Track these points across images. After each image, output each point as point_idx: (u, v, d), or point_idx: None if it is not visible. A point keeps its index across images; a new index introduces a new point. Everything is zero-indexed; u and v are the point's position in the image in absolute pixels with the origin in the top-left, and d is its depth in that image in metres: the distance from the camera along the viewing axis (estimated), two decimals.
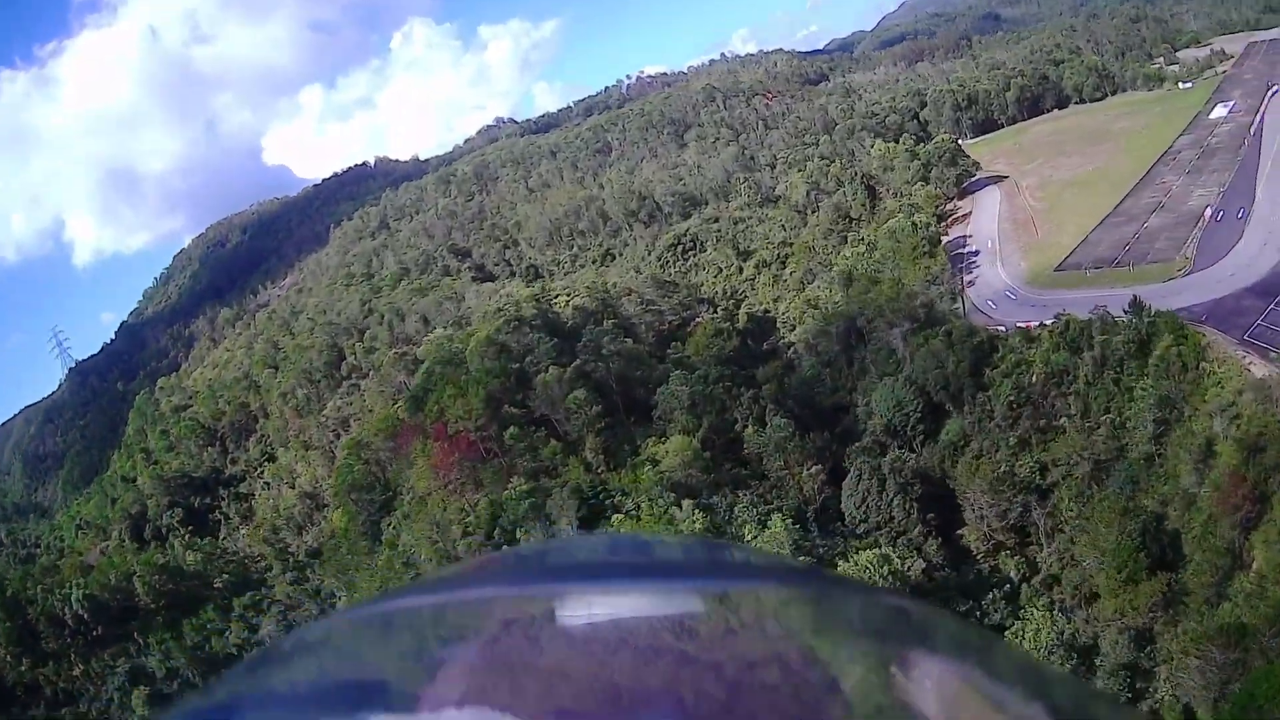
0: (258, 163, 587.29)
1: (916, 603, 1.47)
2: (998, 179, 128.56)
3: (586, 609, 1.32)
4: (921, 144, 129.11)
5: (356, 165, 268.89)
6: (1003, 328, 78.61)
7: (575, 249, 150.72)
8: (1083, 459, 64.37)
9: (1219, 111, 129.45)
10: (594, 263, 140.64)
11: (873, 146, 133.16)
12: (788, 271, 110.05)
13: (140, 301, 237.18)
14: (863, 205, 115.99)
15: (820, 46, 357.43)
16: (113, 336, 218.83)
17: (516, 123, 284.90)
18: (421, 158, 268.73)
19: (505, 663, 1.29)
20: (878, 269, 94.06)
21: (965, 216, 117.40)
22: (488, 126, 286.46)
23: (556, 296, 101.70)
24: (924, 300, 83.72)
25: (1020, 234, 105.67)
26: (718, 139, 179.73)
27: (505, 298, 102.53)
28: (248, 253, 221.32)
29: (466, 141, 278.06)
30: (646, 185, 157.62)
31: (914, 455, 68.49)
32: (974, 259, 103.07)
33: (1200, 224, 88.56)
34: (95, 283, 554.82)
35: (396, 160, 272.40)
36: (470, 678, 1.26)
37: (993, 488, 62.45)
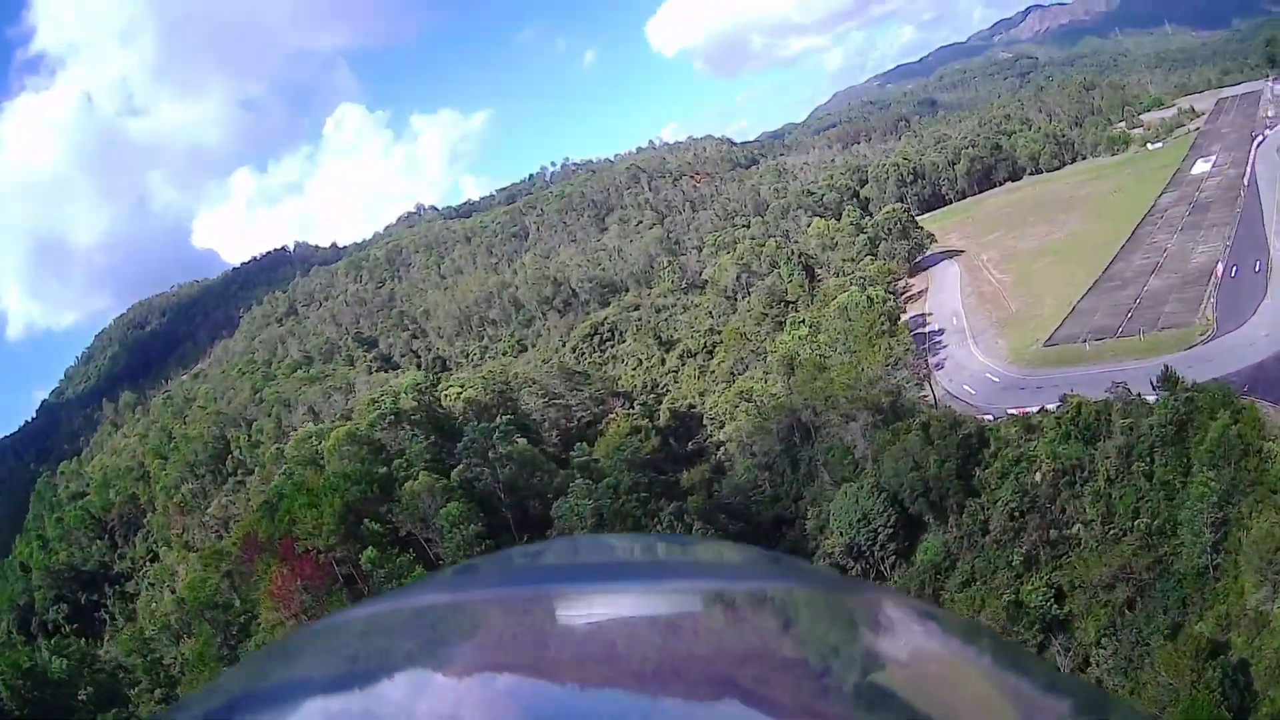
0: (186, 245, 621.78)
1: (920, 601, 1.56)
2: (953, 253, 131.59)
3: (587, 609, 1.39)
4: (867, 218, 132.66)
5: (275, 250, 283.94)
6: (990, 416, 72.68)
7: (486, 339, 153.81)
8: (1115, 578, 52.86)
9: (1201, 167, 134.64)
10: (504, 354, 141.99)
11: (810, 225, 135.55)
12: (716, 361, 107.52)
13: (62, 381, 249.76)
14: (800, 287, 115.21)
15: (752, 139, 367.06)
16: (34, 415, 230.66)
17: (437, 209, 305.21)
18: (341, 244, 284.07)
19: (506, 662, 1.35)
20: (825, 353, 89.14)
21: (921, 294, 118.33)
22: (408, 213, 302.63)
23: (447, 388, 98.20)
24: (887, 387, 73.47)
25: (989, 309, 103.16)
26: (641, 222, 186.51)
27: (384, 388, 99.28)
28: (165, 336, 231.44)
29: (387, 228, 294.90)
30: (563, 271, 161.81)
31: (884, 581, 60.06)
32: (938, 339, 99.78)
33: (1213, 282, 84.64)
34: (27, 357, 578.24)
35: (316, 246, 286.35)
36: (471, 677, 1.33)
37: (1003, 623, 50.90)
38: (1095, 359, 77.41)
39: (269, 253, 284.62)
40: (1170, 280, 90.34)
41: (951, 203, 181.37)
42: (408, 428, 79.28)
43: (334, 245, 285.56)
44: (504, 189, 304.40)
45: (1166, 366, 62.99)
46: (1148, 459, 59.56)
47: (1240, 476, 53.83)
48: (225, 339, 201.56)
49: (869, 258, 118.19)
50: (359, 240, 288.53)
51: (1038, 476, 63.37)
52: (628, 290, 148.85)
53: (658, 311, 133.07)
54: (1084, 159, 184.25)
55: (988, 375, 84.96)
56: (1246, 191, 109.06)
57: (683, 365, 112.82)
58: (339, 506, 66.42)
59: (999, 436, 67.95)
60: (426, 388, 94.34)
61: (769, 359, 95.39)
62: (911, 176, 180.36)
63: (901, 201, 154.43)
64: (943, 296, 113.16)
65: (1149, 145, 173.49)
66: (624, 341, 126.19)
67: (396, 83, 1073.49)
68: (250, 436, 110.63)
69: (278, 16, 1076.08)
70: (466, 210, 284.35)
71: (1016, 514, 61.53)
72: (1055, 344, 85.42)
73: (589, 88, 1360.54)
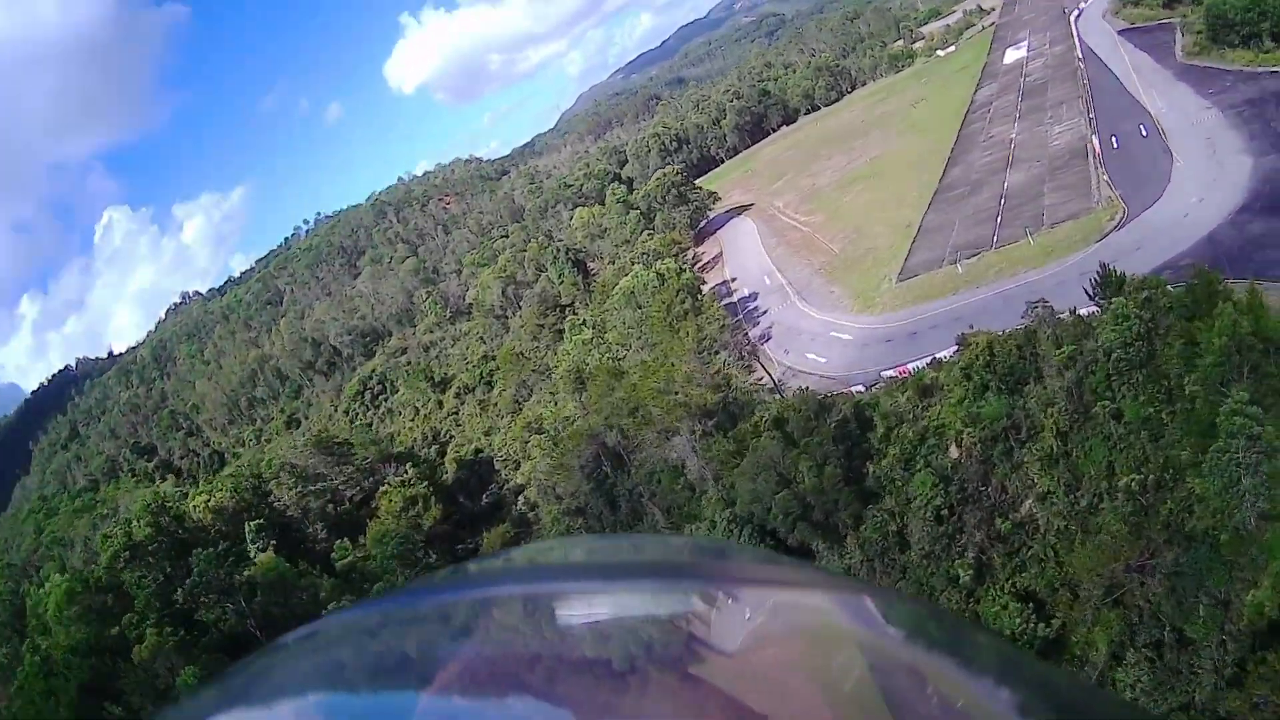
0: None
1: (919, 600, 1.61)
2: (741, 209, 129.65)
3: (587, 609, 1.50)
4: (635, 194, 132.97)
5: (59, 371, 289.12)
6: (859, 387, 60.92)
7: (258, 421, 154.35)
8: (1110, 563, 41.08)
9: (1014, 55, 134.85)
10: (277, 434, 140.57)
11: (573, 217, 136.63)
12: (496, 392, 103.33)
13: None
14: (574, 285, 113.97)
15: (505, 155, 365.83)
16: None
17: (201, 294, 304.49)
18: (117, 351, 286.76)
19: (506, 662, 1.45)
20: (618, 355, 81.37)
21: (716, 261, 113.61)
22: (174, 304, 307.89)
23: (191, 499, 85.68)
24: (709, 380, 60.08)
25: (806, 257, 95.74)
26: (393, 257, 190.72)
27: (124, 514, 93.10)
28: None
29: (157, 325, 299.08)
30: (319, 329, 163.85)
31: None
32: (752, 305, 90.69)
33: (1094, 159, 76.31)
34: None
35: (95, 358, 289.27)
36: (470, 677, 1.41)
37: None
38: (976, 281, 67.41)
39: (54, 376, 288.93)
40: (1035, 170, 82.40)
41: (724, 162, 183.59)
42: (148, 560, 69.86)
43: (110, 354, 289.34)
44: (262, 259, 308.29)
45: (1104, 264, 51.15)
46: (1109, 393, 46.18)
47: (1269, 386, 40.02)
48: (22, 477, 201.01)
49: (646, 234, 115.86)
50: (133, 344, 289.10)
51: (955, 452, 49.39)
52: (390, 335, 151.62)
53: (426, 349, 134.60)
54: (865, 85, 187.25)
55: (834, 334, 73.84)
56: (1086, 63, 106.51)
57: (461, 404, 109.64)
58: (72, 692, 57.30)
59: (884, 412, 53.71)
60: (159, 506, 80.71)
61: (554, 377, 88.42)
62: (675, 143, 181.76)
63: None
64: (743, 257, 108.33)
65: (939, 53, 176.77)
66: (397, 391, 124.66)
67: (154, 175, 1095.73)
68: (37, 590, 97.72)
69: (28, 130, 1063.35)
70: (226, 288, 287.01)
71: (943, 511, 46.95)
72: (913, 275, 75.27)
73: (338, 140, 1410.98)
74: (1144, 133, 76.30)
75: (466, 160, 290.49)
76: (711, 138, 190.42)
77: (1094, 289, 50.25)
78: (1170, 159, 68.88)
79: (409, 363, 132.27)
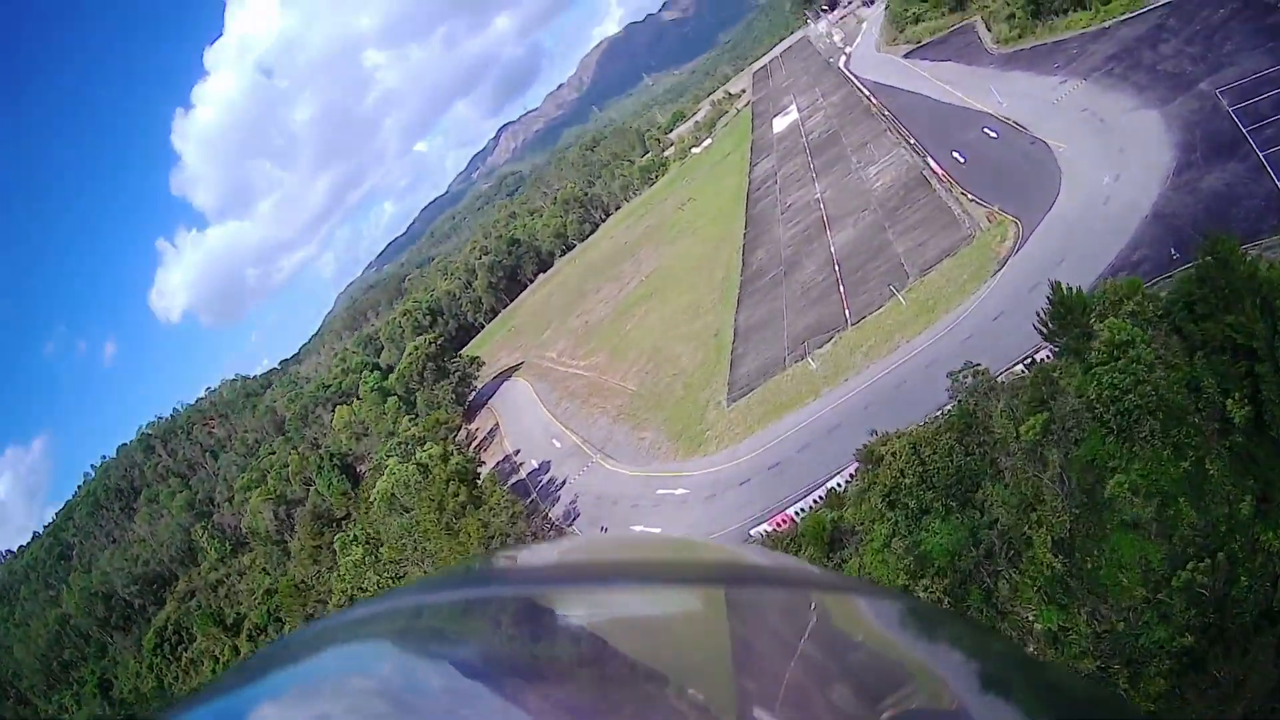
0: None
1: (923, 602, 1.84)
2: (510, 371, 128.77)
3: (587, 609, 1.59)
4: (388, 378, 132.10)
5: None
6: None
7: (74, 685, 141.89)
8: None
9: (785, 121, 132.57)
10: (93, 697, 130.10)
11: (333, 419, 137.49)
12: (286, 629, 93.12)
13: None
14: (344, 494, 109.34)
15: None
16: None
17: (12, 552, 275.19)
18: None
19: (505, 662, 1.52)
20: (397, 574, 70.83)
21: (493, 434, 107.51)
22: None
23: None
24: None
25: (599, 404, 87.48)
26: (164, 493, 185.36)
27: None
28: None
29: None
30: (106, 581, 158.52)
31: None
32: (545, 477, 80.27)
33: (941, 183, 65.90)
34: None
35: None
36: (470, 677, 1.47)
37: None
38: (842, 371, 54.38)
39: None
40: (866, 220, 71.57)
41: (484, 326, 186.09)
42: None
43: None
44: (60, 510, 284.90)
45: (1056, 283, 38.14)
46: (1118, 461, 33.72)
47: None
48: None
49: (408, 419, 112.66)
50: None
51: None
52: (177, 578, 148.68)
53: (214, 589, 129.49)
54: (620, 209, 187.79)
55: (662, 492, 59.95)
56: (879, 96, 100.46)
57: (255, 648, 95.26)
58: None
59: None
60: None
61: (331, 605, 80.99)
62: (429, 317, 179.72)
63: None
64: (523, 424, 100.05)
65: (694, 150, 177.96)
66: (195, 640, 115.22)
67: None
68: None
69: None
70: (31, 545, 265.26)
71: None
72: (747, 390, 62.22)
73: (117, 378, 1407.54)
74: (993, 134, 67.91)
75: (232, 380, 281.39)
76: (466, 303, 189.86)
77: (1045, 324, 38.18)
78: (1046, 148, 59.65)
79: (199, 606, 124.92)
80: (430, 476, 71.33)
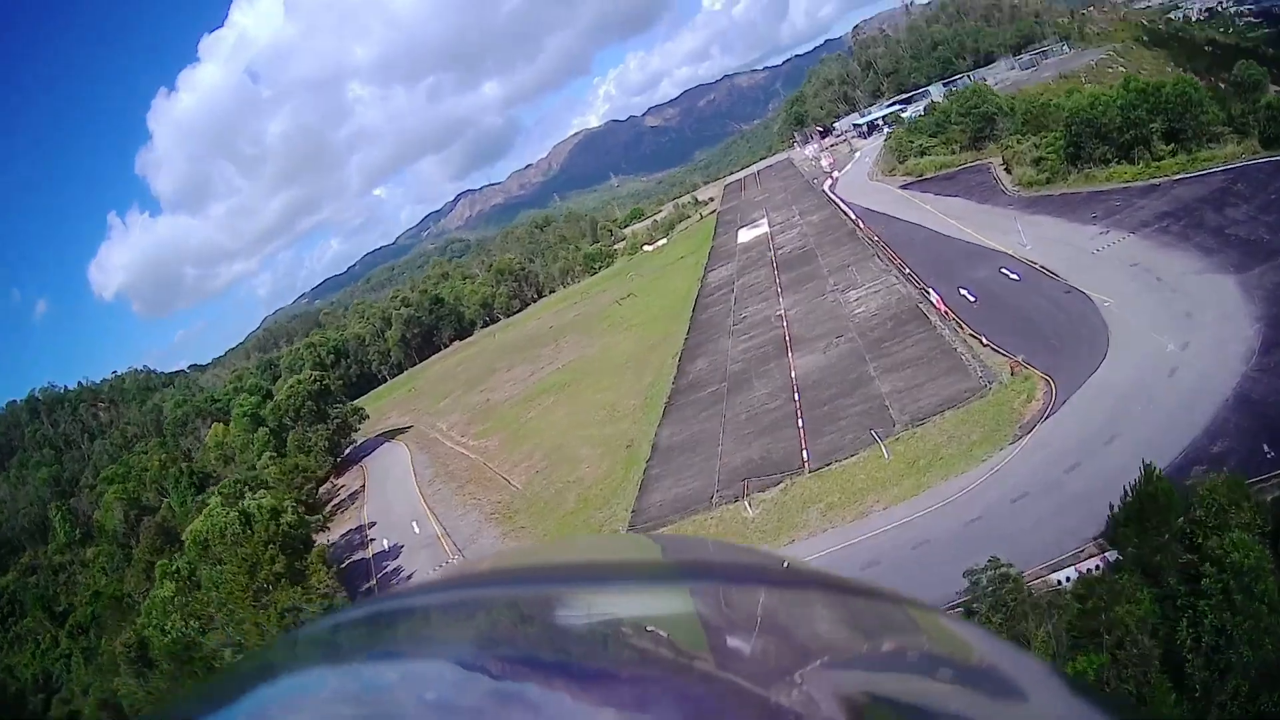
0: None
1: (921, 603, 1.77)
2: (395, 433, 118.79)
3: (587, 609, 1.63)
4: (266, 405, 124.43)
5: None
6: None
7: None
8: None
9: (753, 233, 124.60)
10: None
11: (208, 436, 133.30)
12: (104, 641, 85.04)
13: None
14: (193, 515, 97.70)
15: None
16: None
17: None
18: None
19: (504, 662, 1.51)
20: (205, 624, 60.44)
21: (357, 497, 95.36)
22: None
23: None
24: None
25: (476, 493, 74.99)
26: (34, 461, 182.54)
27: None
28: None
29: None
30: None
31: None
32: (391, 564, 68.55)
33: (945, 319, 56.15)
34: None
35: None
36: (469, 678, 1.49)
37: None
38: (789, 527, 42.35)
39: None
40: (841, 348, 59.93)
41: (388, 380, 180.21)
42: None
43: None
44: None
45: (1147, 465, 28.89)
46: None
47: None
48: None
49: (271, 455, 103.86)
50: None
51: None
52: (25, 549, 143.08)
53: (55, 572, 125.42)
54: (554, 291, 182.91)
55: None
56: (867, 221, 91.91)
57: (75, 646, 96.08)
58: None
59: None
60: None
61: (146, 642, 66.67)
62: (333, 356, 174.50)
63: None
64: (389, 494, 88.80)
65: (646, 248, 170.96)
66: (25, 617, 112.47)
67: None
68: None
69: None
70: None
71: None
72: (658, 523, 50.09)
73: (37, 337, 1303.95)
74: (1013, 276, 58.68)
75: (138, 370, 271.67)
76: (374, 351, 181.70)
77: (1118, 524, 28.71)
78: (1085, 300, 50.56)
79: (36, 585, 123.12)
80: (252, 531, 61.00)
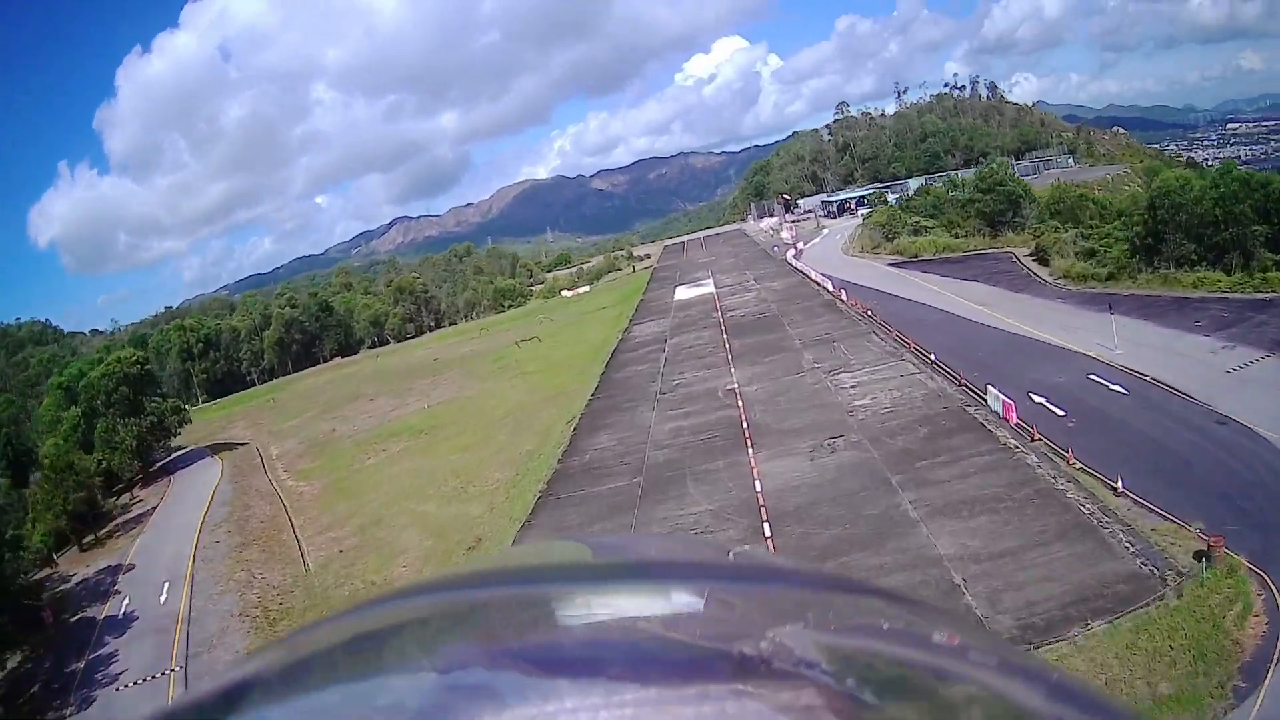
0: None
1: (923, 602, 1.70)
2: (224, 448, 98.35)
3: (587, 609, 1.56)
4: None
5: None
6: None
7: None
8: None
9: (693, 292, 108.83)
10: None
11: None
12: None
13: None
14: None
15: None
16: None
17: None
18: None
19: (504, 663, 1.44)
20: None
21: (144, 520, 74.22)
22: None
23: None
24: None
25: (251, 566, 54.16)
26: None
27: None
28: None
29: None
30: None
31: None
32: (110, 640, 48.40)
33: (1023, 443, 35.61)
34: None
35: None
36: (470, 678, 1.42)
37: None
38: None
39: None
40: (844, 455, 39.49)
41: (255, 385, 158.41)
42: None
43: None
44: None
45: None
46: None
47: None
48: None
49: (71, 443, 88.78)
50: None
51: None
52: None
53: None
54: (454, 324, 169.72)
55: None
56: (855, 296, 75.02)
57: None
58: None
59: None
60: None
61: None
62: (201, 346, 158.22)
63: (188, 380, 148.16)
64: (170, 530, 68.18)
65: (565, 293, 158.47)
66: None
67: None
68: None
69: None
70: None
71: None
72: None
73: None
74: (1117, 389, 41.22)
75: (41, 322, 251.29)
76: (248, 350, 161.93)
77: None
78: (1261, 441, 32.70)
79: None
80: None
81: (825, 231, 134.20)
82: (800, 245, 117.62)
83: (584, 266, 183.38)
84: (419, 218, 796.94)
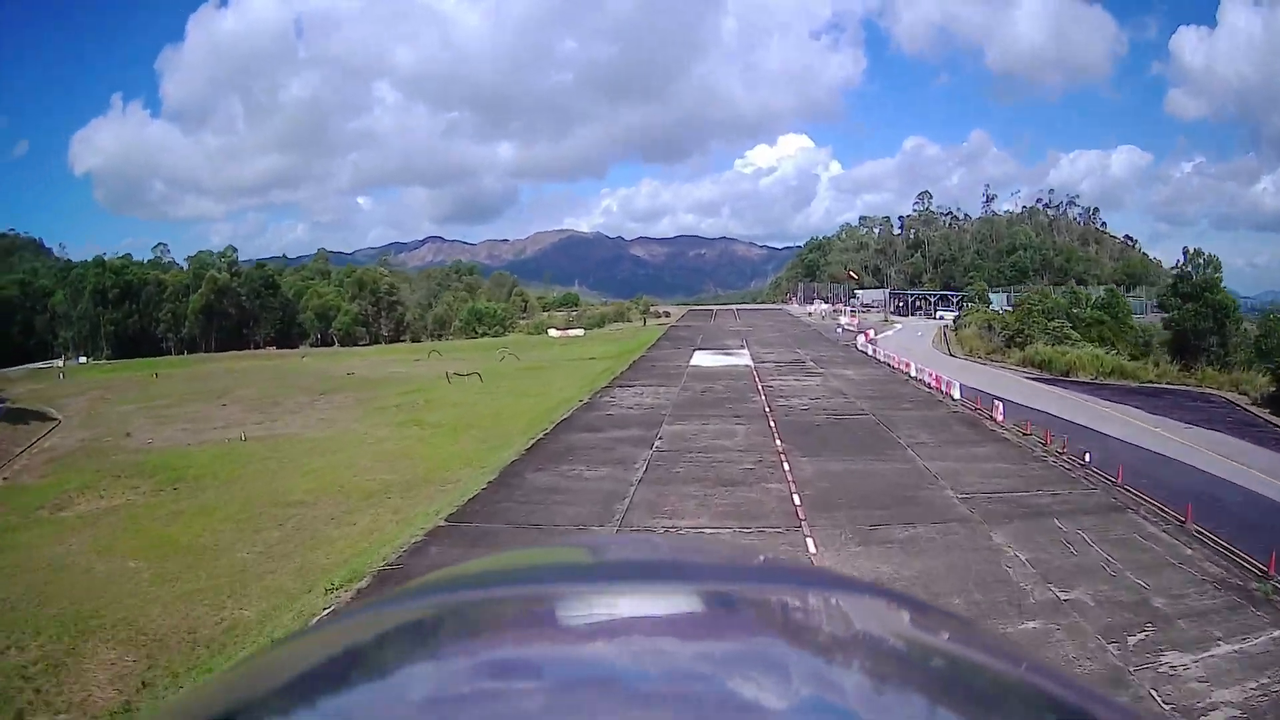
0: None
1: (925, 602, 1.73)
2: (34, 418, 74.39)
3: (588, 609, 1.57)
4: None
5: None
6: None
7: None
8: None
9: (719, 360, 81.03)
10: None
11: None
12: None
13: None
14: None
15: None
16: None
17: None
18: None
19: (505, 664, 1.46)
20: None
21: None
22: None
23: None
24: None
25: None
26: None
27: None
28: None
29: None
30: None
31: None
32: None
33: None
34: None
35: None
36: (470, 679, 1.41)
37: None
38: None
39: None
40: None
41: (170, 354, 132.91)
42: None
43: None
44: None
45: None
46: None
47: None
48: None
49: None
50: None
51: None
52: None
53: None
54: (415, 340, 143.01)
55: None
56: (1055, 432, 41.75)
57: None
58: None
59: None
60: None
61: None
62: (116, 292, 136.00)
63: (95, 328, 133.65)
64: None
65: (552, 331, 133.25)
66: None
67: None
68: None
69: None
70: None
71: None
72: None
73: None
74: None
75: (15, 235, 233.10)
76: (169, 311, 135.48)
77: None
78: None
79: None
80: None
81: (899, 326, 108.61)
82: (871, 333, 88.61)
83: (589, 312, 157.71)
84: (453, 241, 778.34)
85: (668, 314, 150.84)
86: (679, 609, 1.57)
